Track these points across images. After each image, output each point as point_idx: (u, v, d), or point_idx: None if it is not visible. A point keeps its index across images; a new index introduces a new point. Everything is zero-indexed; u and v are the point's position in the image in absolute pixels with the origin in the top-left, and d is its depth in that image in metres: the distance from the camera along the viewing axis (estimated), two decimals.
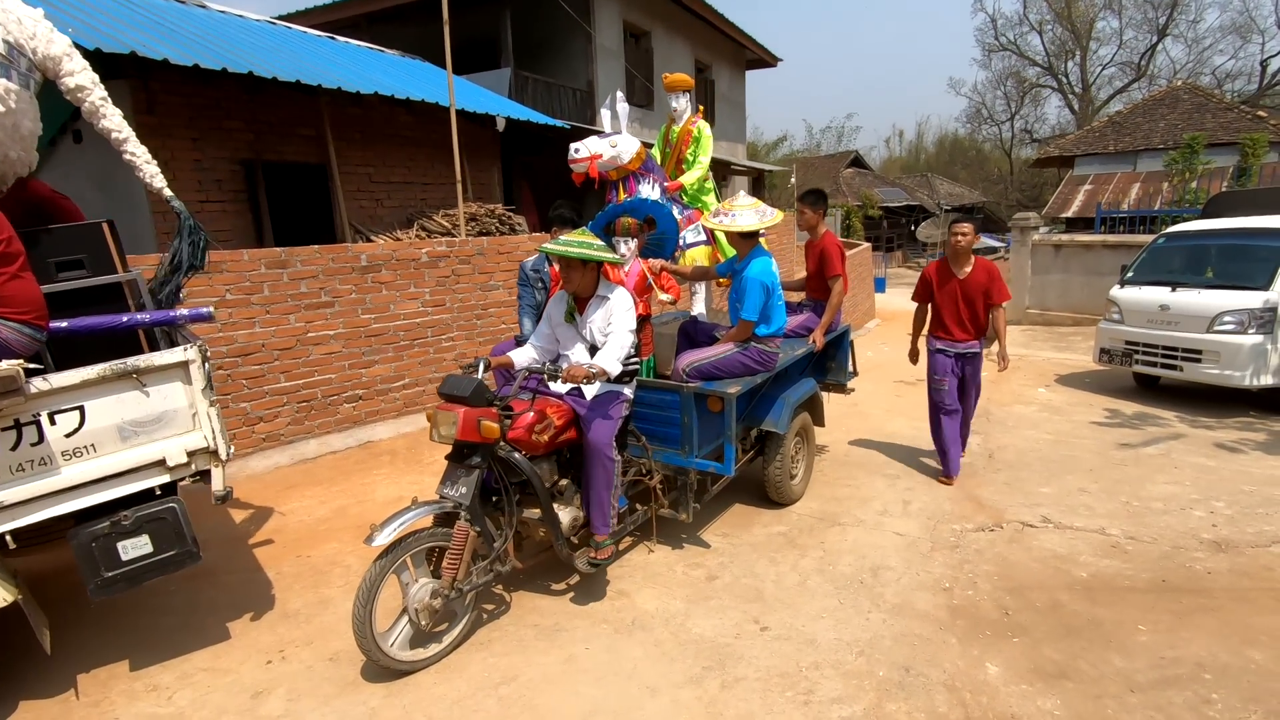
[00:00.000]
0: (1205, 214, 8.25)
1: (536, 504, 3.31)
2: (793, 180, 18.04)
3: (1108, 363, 7.41)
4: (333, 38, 9.91)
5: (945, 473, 4.97)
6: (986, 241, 28.64)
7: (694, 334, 4.27)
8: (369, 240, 7.26)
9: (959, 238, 4.69)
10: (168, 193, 3.42)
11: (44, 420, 2.51)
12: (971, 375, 4.92)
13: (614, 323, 3.41)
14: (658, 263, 3.97)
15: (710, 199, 4.80)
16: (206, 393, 2.80)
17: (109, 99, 3.24)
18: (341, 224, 7.19)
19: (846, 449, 5.78)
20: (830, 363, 5.24)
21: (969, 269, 4.74)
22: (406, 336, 6.33)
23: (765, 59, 20.71)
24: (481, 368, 3.27)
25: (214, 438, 2.84)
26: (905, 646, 3.04)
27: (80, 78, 3.12)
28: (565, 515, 3.40)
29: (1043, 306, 12.49)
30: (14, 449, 2.47)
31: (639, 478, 3.82)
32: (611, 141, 4.03)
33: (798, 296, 5.15)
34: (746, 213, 3.77)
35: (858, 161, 39.29)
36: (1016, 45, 39.45)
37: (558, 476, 3.48)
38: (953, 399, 4.91)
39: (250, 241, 6.95)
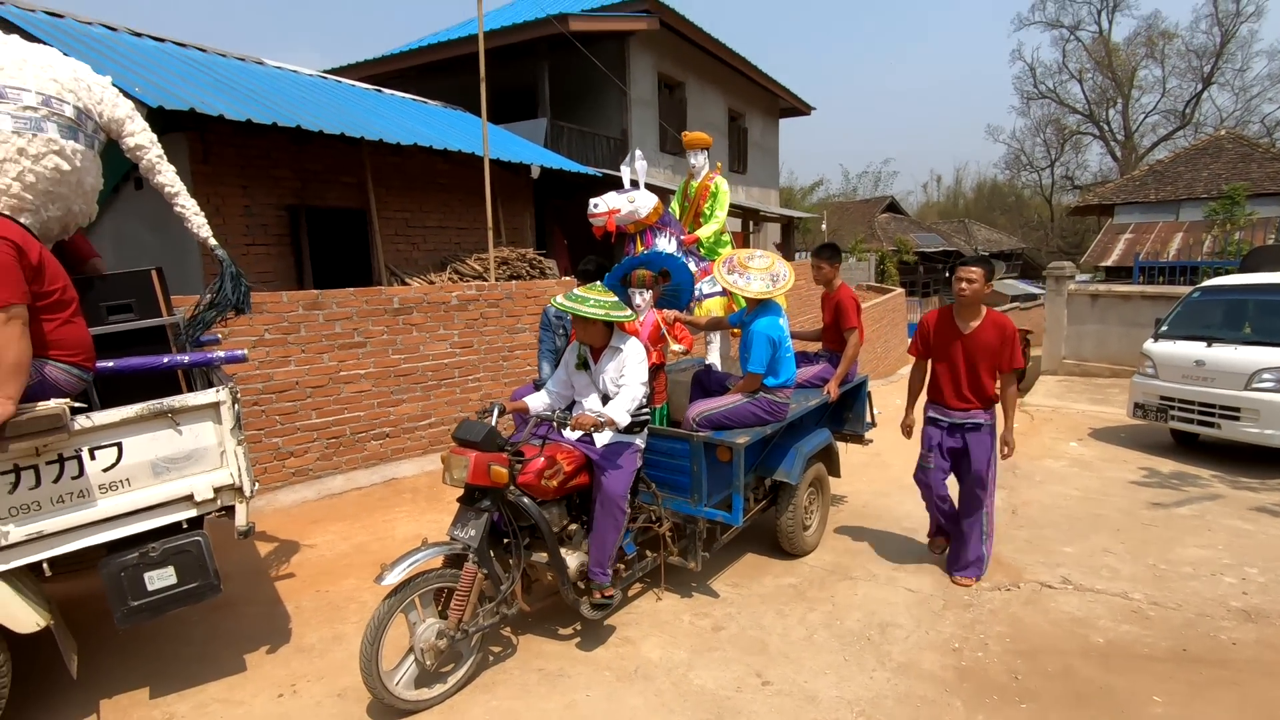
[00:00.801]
0: (1244, 268, 8.10)
1: (545, 548, 3.39)
2: (824, 226, 18.09)
3: (1142, 418, 7.24)
4: (379, 90, 10.46)
5: (948, 568, 4.18)
6: (1025, 288, 28.22)
7: (707, 382, 4.35)
8: (404, 283, 7.56)
9: (963, 284, 3.84)
10: (213, 242, 3.66)
11: (85, 455, 2.70)
12: (973, 455, 3.98)
13: (625, 374, 3.51)
14: (671, 313, 4.08)
15: (726, 252, 4.92)
16: (235, 432, 2.97)
17: (164, 156, 3.51)
18: (378, 267, 7.51)
19: (865, 500, 5.73)
20: (847, 413, 5.25)
21: (976, 323, 3.91)
22: (434, 377, 6.52)
23: (799, 107, 21.08)
24: (496, 412, 3.38)
25: (240, 475, 2.99)
26: (908, 708, 3.00)
27: (140, 138, 3.39)
28: (573, 560, 3.46)
29: (1079, 357, 12.24)
30: (56, 481, 2.65)
31: (649, 525, 3.87)
32: (629, 197, 4.20)
33: (815, 346, 5.20)
34: (759, 277, 3.87)
35: (893, 207, 39.33)
36: (1056, 93, 39.38)
37: (567, 521, 3.55)
38: (939, 484, 4.17)
39: (291, 283, 7.30)
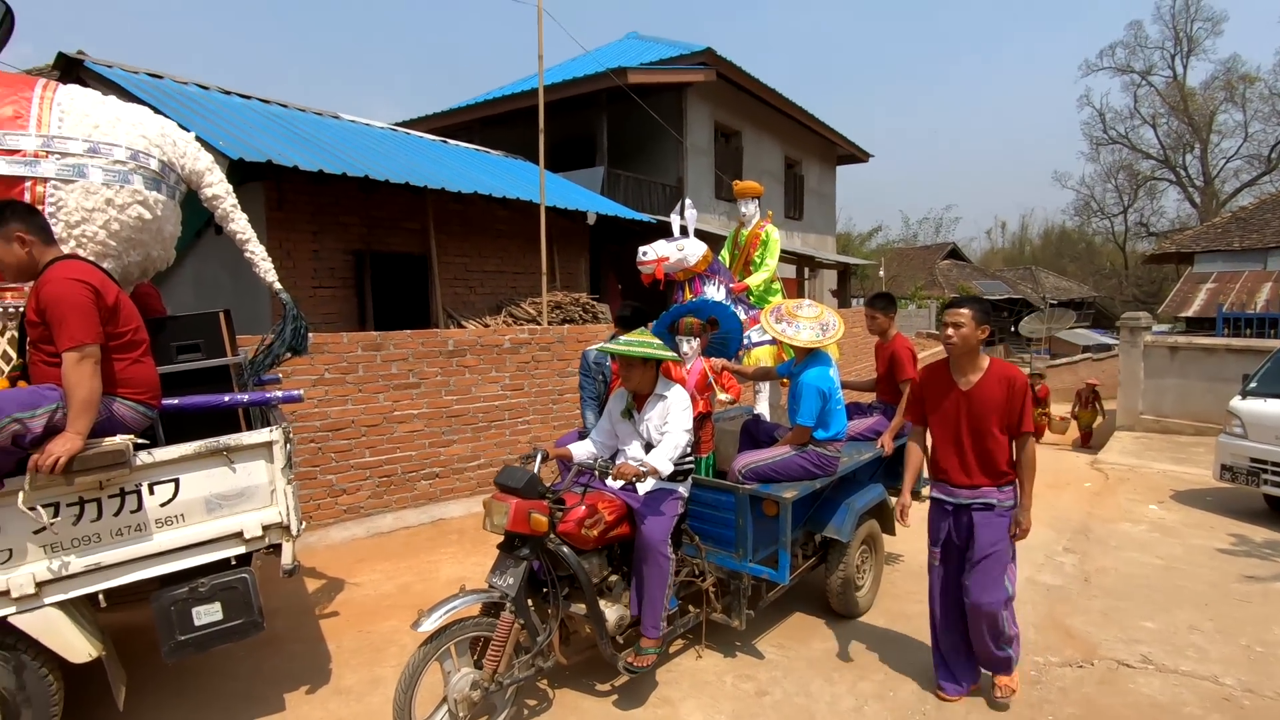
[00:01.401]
0: None
1: (584, 599, 3.32)
2: (882, 272, 17.82)
3: (1231, 480, 6.73)
4: (444, 141, 10.94)
5: (937, 681, 3.45)
6: (1098, 338, 27.01)
7: (756, 433, 4.25)
8: (460, 325, 7.74)
9: (950, 329, 3.19)
10: (277, 285, 3.82)
11: (144, 490, 2.80)
12: (979, 540, 3.24)
13: (670, 421, 3.47)
14: (719, 362, 4.03)
15: (777, 300, 4.87)
16: (286, 471, 3.04)
17: (238, 206, 3.71)
18: (436, 309, 7.73)
19: (924, 559, 5.43)
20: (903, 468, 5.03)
21: (977, 376, 3.21)
22: (485, 418, 6.60)
23: (856, 154, 21.03)
24: (540, 459, 3.37)
25: (288, 514, 3.05)
26: None
27: (217, 189, 3.60)
28: (611, 613, 3.37)
29: (1158, 413, 11.54)
30: (116, 515, 2.75)
31: (691, 579, 3.76)
32: (679, 245, 4.22)
33: (869, 397, 5.05)
34: (808, 326, 3.80)
35: (955, 253, 38.53)
36: (1128, 138, 38.15)
37: (608, 572, 3.48)
38: (941, 582, 3.44)
39: (354, 324, 7.58)
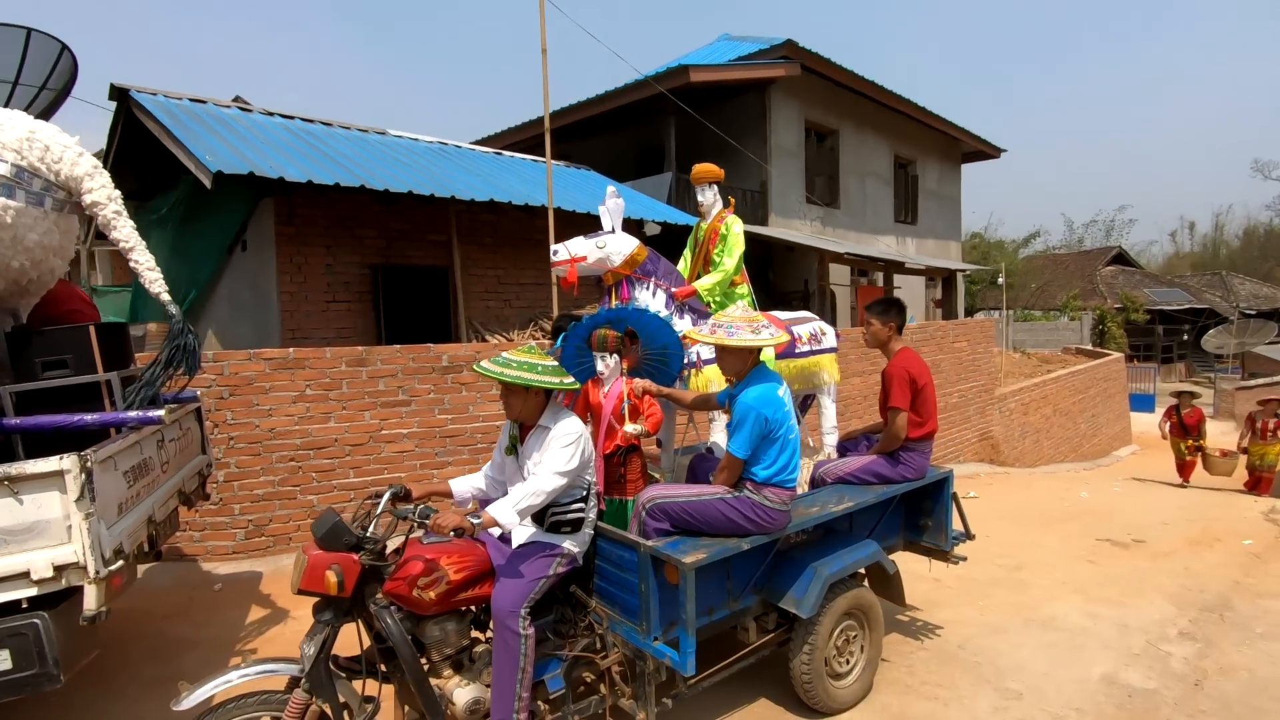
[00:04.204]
0: None
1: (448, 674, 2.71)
2: (1001, 279, 15.65)
3: None
4: (472, 148, 10.70)
5: None
6: None
7: (698, 470, 3.44)
8: (483, 339, 7.40)
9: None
10: (166, 297, 3.53)
11: None
12: None
13: (543, 460, 2.79)
14: (641, 384, 3.26)
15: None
16: (83, 504, 2.68)
17: (123, 213, 3.46)
18: (459, 324, 7.46)
19: (966, 636, 4.27)
20: (925, 520, 3.96)
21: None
22: (484, 439, 6.15)
23: (985, 150, 18.88)
24: (385, 499, 2.79)
25: (85, 552, 2.68)
26: None
27: (97, 195, 3.37)
28: (462, 694, 2.72)
29: None
30: None
31: (588, 654, 3.01)
32: (599, 242, 3.50)
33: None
34: (742, 327, 2.94)
35: (1122, 258, 33.86)
36: None
37: (467, 642, 2.83)
38: None
39: (370, 339, 7.47)
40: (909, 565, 4.17)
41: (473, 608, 2.84)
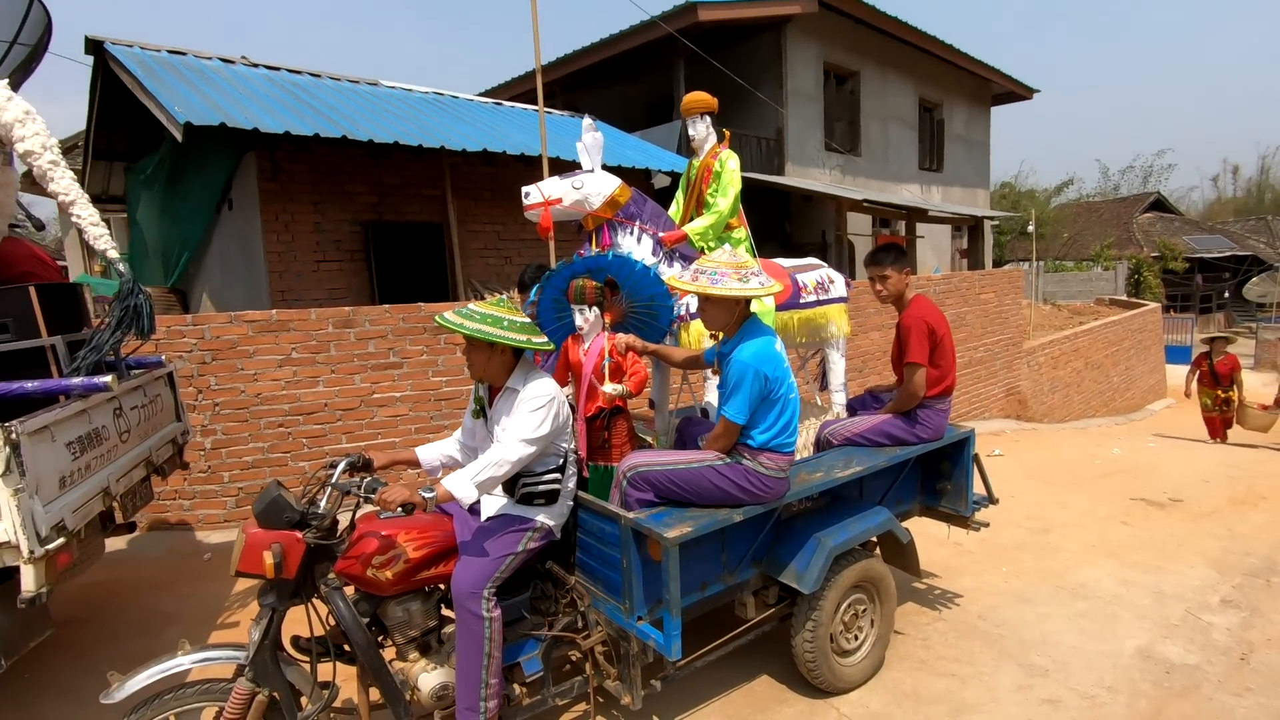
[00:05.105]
0: None
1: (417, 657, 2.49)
2: (1031, 227, 14.86)
3: None
4: (470, 99, 10.18)
5: None
6: None
7: (686, 434, 3.13)
8: (480, 298, 7.11)
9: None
10: (112, 254, 3.27)
11: None
12: None
13: (510, 425, 2.50)
14: (623, 339, 2.93)
15: (740, 252, 3.60)
16: (10, 479, 2.46)
17: (60, 163, 3.18)
18: (456, 282, 7.16)
19: (989, 605, 3.98)
20: (944, 483, 3.63)
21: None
22: None
23: (1016, 91, 17.88)
24: (340, 469, 2.53)
25: (16, 530, 2.47)
26: None
27: (30, 143, 3.10)
28: (427, 680, 2.50)
29: None
30: None
31: (569, 634, 2.77)
32: (575, 182, 3.14)
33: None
34: (729, 274, 2.59)
35: (1160, 205, 32.40)
36: None
37: (434, 623, 2.60)
38: None
39: (364, 298, 7.21)
40: (926, 529, 3.88)
41: (440, 586, 2.60)
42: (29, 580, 2.53)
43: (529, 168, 8.21)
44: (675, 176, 9.11)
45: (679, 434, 3.20)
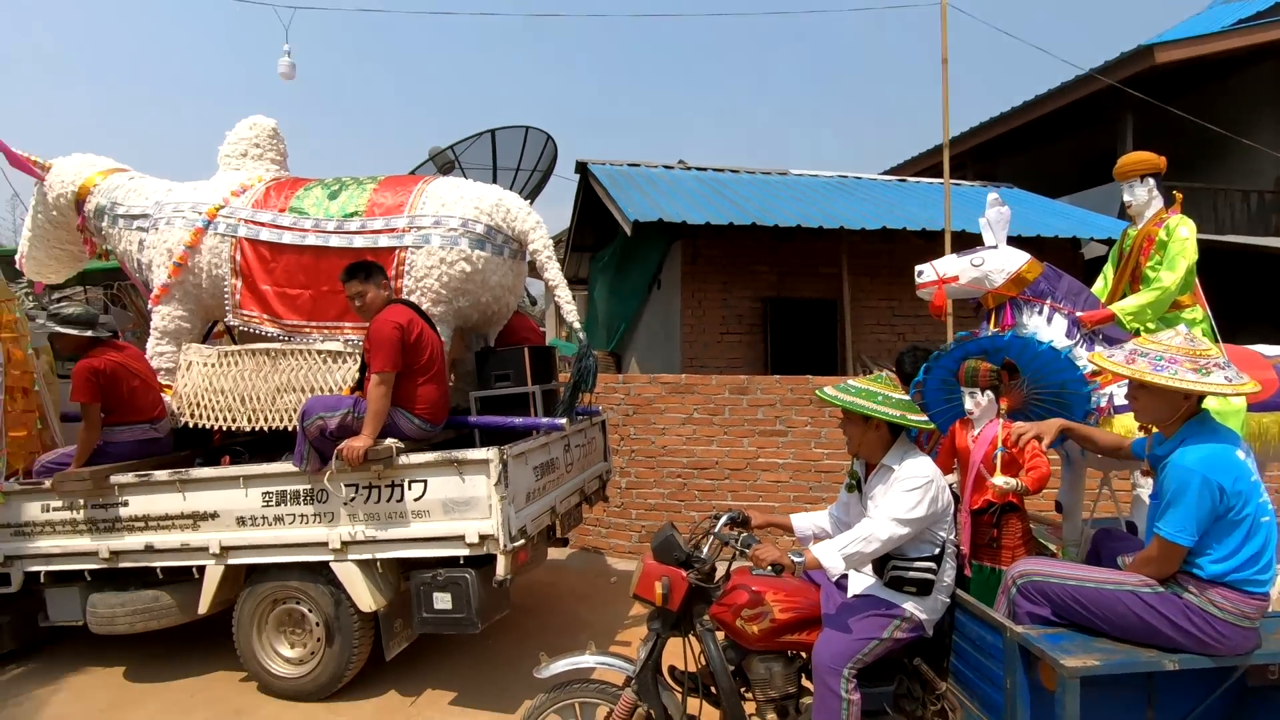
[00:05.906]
0: None
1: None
2: None
3: None
4: (926, 181, 10.13)
5: None
6: None
7: (1102, 550, 2.61)
8: (869, 373, 7.06)
9: None
10: (576, 325, 4.22)
11: (405, 485, 3.47)
12: None
13: (883, 503, 2.48)
14: (1021, 428, 2.62)
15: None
16: (499, 488, 3.33)
17: (553, 259, 4.25)
18: (846, 356, 7.21)
19: None
20: None
21: None
22: None
23: None
24: (721, 522, 2.81)
25: (498, 528, 3.33)
26: None
27: (535, 244, 4.21)
28: None
29: None
30: (387, 501, 3.49)
31: None
32: (975, 259, 2.91)
33: None
34: (1186, 360, 2.12)
35: None
36: None
37: (794, 689, 2.65)
38: None
39: (759, 368, 7.71)
40: None
41: (802, 654, 2.65)
42: (501, 567, 3.36)
43: (929, 243, 7.96)
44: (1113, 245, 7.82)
45: (1094, 547, 2.71)
